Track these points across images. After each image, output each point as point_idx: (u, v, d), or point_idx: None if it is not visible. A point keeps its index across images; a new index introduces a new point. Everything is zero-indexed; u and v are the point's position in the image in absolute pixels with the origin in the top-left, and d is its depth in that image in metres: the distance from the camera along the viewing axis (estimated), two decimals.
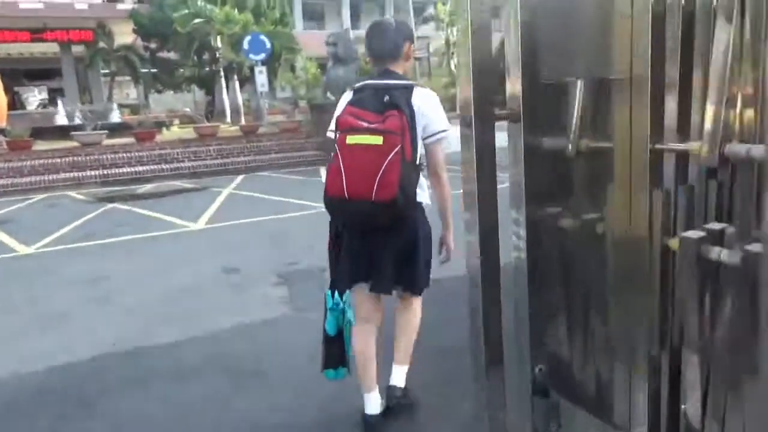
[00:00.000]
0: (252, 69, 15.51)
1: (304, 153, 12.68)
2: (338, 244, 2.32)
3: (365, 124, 2.07)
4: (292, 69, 23.71)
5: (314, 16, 41.81)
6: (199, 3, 16.56)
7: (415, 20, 28.98)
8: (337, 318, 2.35)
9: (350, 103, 2.21)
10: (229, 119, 17.95)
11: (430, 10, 27.86)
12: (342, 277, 2.32)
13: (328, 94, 12.96)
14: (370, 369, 2.39)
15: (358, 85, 2.30)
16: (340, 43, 12.47)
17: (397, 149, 2.00)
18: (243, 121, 17.02)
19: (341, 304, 2.33)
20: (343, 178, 2.03)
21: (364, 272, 2.28)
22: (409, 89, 2.19)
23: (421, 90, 2.24)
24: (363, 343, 2.38)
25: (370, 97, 2.17)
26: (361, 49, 29.12)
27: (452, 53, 29.93)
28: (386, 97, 2.11)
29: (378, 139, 2.01)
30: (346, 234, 2.28)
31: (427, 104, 2.22)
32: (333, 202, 2.13)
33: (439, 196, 2.33)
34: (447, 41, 29.36)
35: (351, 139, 2.06)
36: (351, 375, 2.45)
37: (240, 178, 11.14)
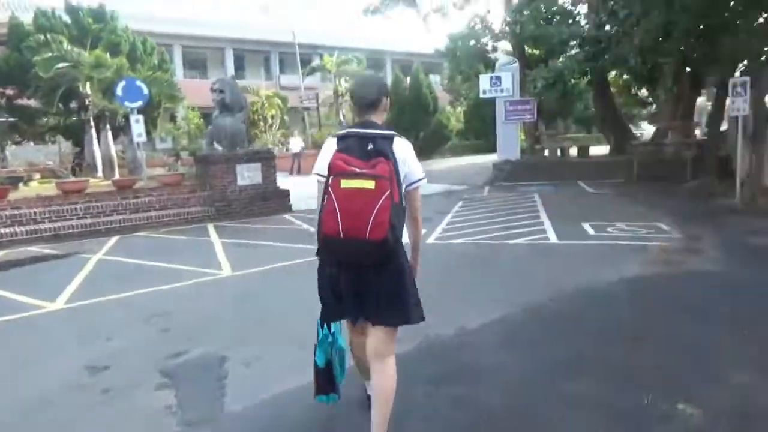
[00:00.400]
0: (127, 117, 14.11)
1: (189, 209, 11.48)
2: (331, 282, 2.54)
3: (357, 170, 2.32)
4: (173, 118, 22.17)
5: (196, 65, 40.43)
6: (65, 46, 14.95)
7: (302, 71, 28.86)
8: (326, 351, 2.74)
9: (339, 150, 2.44)
10: (100, 173, 16.17)
11: (317, 61, 27.82)
12: (336, 311, 2.61)
13: (215, 144, 12.00)
14: (367, 369, 2.73)
15: (340, 133, 2.57)
16: (227, 90, 11.62)
17: (387, 193, 2.30)
18: (117, 175, 15.37)
19: (330, 337, 2.73)
20: (338, 218, 2.29)
21: (356, 306, 2.54)
22: (389, 138, 2.50)
23: (400, 140, 2.54)
24: (360, 352, 2.78)
25: (355, 144, 2.44)
26: (252, 98, 28.36)
27: (341, 104, 30.08)
28: (370, 145, 2.41)
29: (371, 184, 2.28)
30: (339, 271, 2.50)
31: (408, 154, 2.56)
32: (329, 240, 2.37)
33: (414, 236, 2.74)
34: (335, 92, 29.48)
35: (345, 183, 2.30)
36: (341, 399, 2.94)
37: (113, 240, 9.73)
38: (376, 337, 2.59)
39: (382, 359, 2.58)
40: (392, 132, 2.55)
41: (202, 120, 33.87)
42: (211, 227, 10.67)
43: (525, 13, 15.66)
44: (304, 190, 17.51)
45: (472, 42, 21.26)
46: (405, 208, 2.54)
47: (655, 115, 21.32)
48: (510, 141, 17.11)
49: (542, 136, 18.81)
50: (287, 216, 11.79)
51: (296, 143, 23.41)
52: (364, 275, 2.46)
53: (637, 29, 12.43)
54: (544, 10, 15.55)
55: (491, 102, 34.01)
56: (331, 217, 2.30)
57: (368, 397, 2.90)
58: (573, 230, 8.54)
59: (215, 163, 11.96)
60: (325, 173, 2.41)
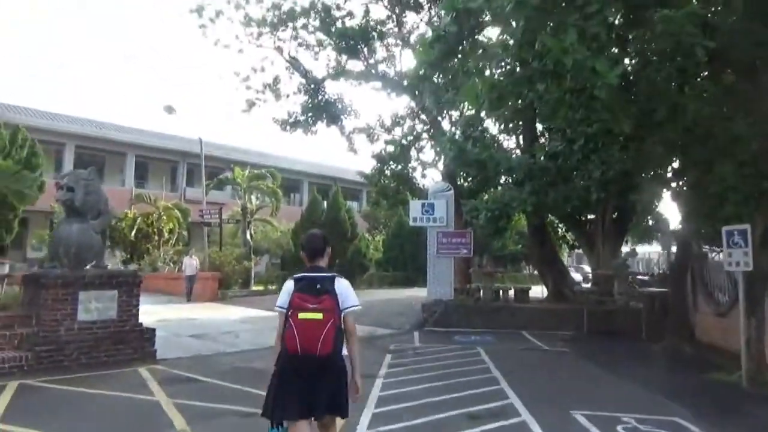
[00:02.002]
0: None
1: (0, 354, 7.70)
2: (286, 387, 3.45)
3: (310, 306, 3.42)
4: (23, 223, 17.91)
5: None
6: None
7: (207, 183, 25.94)
8: None
9: (297, 290, 3.52)
10: None
11: (226, 173, 25.07)
12: (290, 409, 3.44)
13: (53, 262, 8.51)
14: None
15: (297, 276, 3.65)
16: (78, 189, 8.41)
17: (331, 321, 3.42)
18: None
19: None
20: (297, 341, 3.35)
21: (306, 406, 3.44)
22: (331, 279, 3.62)
23: (340, 279, 3.67)
24: None
25: (308, 285, 3.54)
26: (148, 209, 24.78)
27: (249, 223, 27.03)
28: (318, 285, 3.52)
29: (319, 315, 3.39)
30: (295, 379, 3.45)
31: (344, 288, 3.65)
32: (291, 356, 3.41)
33: (351, 350, 3.68)
34: (244, 209, 26.51)
35: (302, 315, 3.39)
36: None
37: None
38: (325, 428, 3.64)
39: None
40: (334, 274, 3.67)
41: None
42: (8, 391, 6.86)
43: (457, 136, 14.05)
44: (190, 326, 14.12)
45: (400, 166, 19.51)
46: (342, 329, 3.55)
47: (588, 259, 19.86)
48: (442, 278, 14.65)
49: (477, 273, 16.56)
50: (144, 371, 8.17)
51: (190, 264, 19.76)
52: (314, 380, 3.44)
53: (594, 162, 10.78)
54: (479, 136, 13.95)
55: (414, 232, 32.52)
56: (292, 339, 3.37)
57: None
58: (573, 430, 5.71)
59: (47, 287, 8.37)
60: (286, 307, 3.52)
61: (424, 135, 18.16)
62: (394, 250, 31.52)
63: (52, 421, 5.68)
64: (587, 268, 54.76)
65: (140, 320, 9.21)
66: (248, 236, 25.02)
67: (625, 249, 20.25)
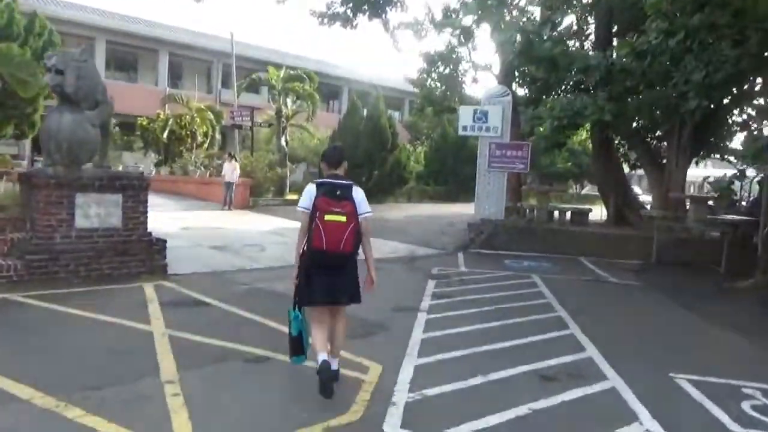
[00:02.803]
0: None
1: None
2: (311, 279, 3.95)
3: (335, 209, 3.79)
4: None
5: (124, 66, 35.05)
6: None
7: (239, 83, 24.22)
8: (298, 325, 4.03)
9: (321, 194, 3.84)
10: None
11: (260, 73, 23.25)
12: (315, 296, 3.96)
13: (26, 156, 7.26)
14: (323, 343, 3.99)
15: (318, 181, 3.99)
16: (69, 71, 6.97)
17: (353, 224, 3.82)
18: None
19: (299, 316, 4.03)
20: (324, 240, 3.75)
21: (328, 294, 3.98)
22: (349, 186, 3.96)
23: (356, 187, 4.00)
24: (320, 331, 4.02)
25: (330, 190, 3.87)
26: (181, 110, 23.43)
27: (283, 128, 25.49)
28: (338, 191, 3.87)
29: (343, 218, 3.78)
30: (319, 271, 3.91)
31: (360, 196, 3.99)
32: (316, 252, 3.82)
33: (367, 250, 4.13)
34: (278, 113, 24.88)
35: (328, 217, 3.76)
36: (308, 359, 4.10)
37: None
38: (337, 311, 4.15)
39: (341, 324, 4.15)
40: (351, 182, 4.02)
41: (117, 129, 28.65)
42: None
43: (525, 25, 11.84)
44: (213, 236, 12.08)
45: (449, 69, 17.41)
46: (360, 231, 3.95)
47: (652, 181, 17.77)
48: (493, 195, 13.04)
49: (528, 192, 14.88)
50: (149, 287, 7.05)
51: (230, 170, 18.37)
52: (336, 273, 3.94)
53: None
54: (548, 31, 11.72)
55: (458, 144, 30.62)
56: (319, 238, 3.77)
57: (321, 364, 3.87)
58: (684, 408, 4.26)
59: (39, 187, 7.18)
60: (310, 208, 3.86)
61: (482, 28, 15.75)
62: (436, 163, 29.77)
63: (9, 352, 4.56)
64: (637, 190, 52.23)
65: (149, 229, 8.04)
66: (283, 142, 23.59)
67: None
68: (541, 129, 11.79)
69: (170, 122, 25.71)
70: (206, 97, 32.59)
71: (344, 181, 3.97)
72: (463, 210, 22.37)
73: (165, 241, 8.09)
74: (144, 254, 7.83)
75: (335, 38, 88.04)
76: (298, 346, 4.07)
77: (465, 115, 13.04)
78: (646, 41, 9.36)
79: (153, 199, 19.69)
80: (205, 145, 26.91)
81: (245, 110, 21.59)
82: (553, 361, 5.01)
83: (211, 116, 26.29)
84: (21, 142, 19.88)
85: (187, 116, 26.18)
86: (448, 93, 17.33)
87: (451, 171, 29.06)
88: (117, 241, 7.63)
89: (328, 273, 3.91)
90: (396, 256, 11.04)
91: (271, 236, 12.65)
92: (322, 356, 3.86)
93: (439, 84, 17.52)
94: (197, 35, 35.16)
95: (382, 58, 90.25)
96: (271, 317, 5.77)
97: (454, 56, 16.59)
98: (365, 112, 25.13)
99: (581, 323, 6.41)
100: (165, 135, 25.37)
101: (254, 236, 12.42)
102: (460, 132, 13.30)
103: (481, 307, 7.02)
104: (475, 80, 17.53)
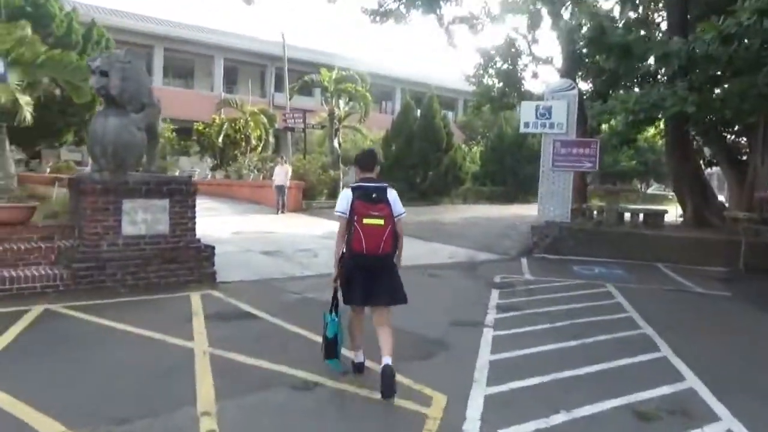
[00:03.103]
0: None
1: (21, 272, 6.54)
2: (352, 281, 4.09)
3: (374, 213, 3.94)
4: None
5: (181, 73, 35.78)
6: None
7: (291, 85, 24.09)
8: (334, 328, 4.19)
9: (357, 198, 4.00)
10: None
11: (312, 75, 23.03)
12: (355, 297, 4.12)
13: (89, 162, 7.03)
14: (360, 341, 4.37)
15: (353, 185, 4.17)
16: (114, 73, 6.71)
17: (390, 226, 3.97)
18: None
19: (336, 319, 4.20)
20: (363, 242, 3.90)
21: (370, 295, 4.10)
22: (384, 189, 4.11)
23: (390, 189, 4.15)
24: (358, 329, 4.34)
25: (365, 194, 4.02)
26: (235, 114, 23.42)
27: (336, 130, 25.19)
28: (374, 194, 4.03)
29: (381, 221, 3.93)
30: (359, 273, 4.05)
31: (395, 197, 4.12)
32: (357, 255, 3.96)
33: (400, 248, 4.22)
34: (331, 114, 24.61)
35: (366, 221, 3.91)
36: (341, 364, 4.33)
37: None
38: (380, 314, 4.21)
39: (386, 326, 4.17)
40: (386, 184, 4.19)
41: (174, 134, 29.15)
42: (25, 319, 5.56)
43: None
44: (265, 240, 11.72)
45: (507, 64, 16.57)
46: (397, 232, 4.10)
47: (730, 179, 16.31)
48: (558, 196, 12.16)
49: (595, 192, 13.88)
50: (196, 297, 6.69)
51: (280, 173, 17.98)
52: (376, 275, 4.07)
53: None
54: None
55: (516, 143, 29.51)
56: (359, 241, 3.91)
57: (354, 364, 4.41)
58: None
59: (86, 193, 6.96)
60: (347, 213, 4.02)
61: (544, 19, 14.86)
62: (493, 163, 28.82)
63: (37, 373, 4.21)
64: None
65: (198, 235, 7.71)
66: (336, 144, 23.29)
67: None
68: (612, 123, 10.84)
69: (225, 126, 25.90)
70: (260, 101, 32.83)
71: (378, 184, 4.16)
72: (523, 211, 21.43)
73: (213, 248, 7.75)
74: (192, 262, 7.51)
75: (387, 38, 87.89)
76: (333, 349, 4.24)
77: (527, 111, 12.23)
78: (735, 23, 8.34)
79: (207, 203, 19.77)
80: (259, 149, 26.99)
81: (297, 113, 21.41)
82: (647, 393, 4.26)
83: (265, 120, 26.34)
84: (82, 149, 20.36)
85: (242, 120, 26.32)
86: (507, 89, 16.49)
87: (509, 170, 28.06)
88: (164, 249, 7.33)
89: (369, 275, 4.06)
90: (454, 262, 10.39)
91: (324, 241, 12.22)
92: (359, 357, 4.39)
93: (496, 80, 16.70)
94: (251, 40, 35.50)
95: (434, 57, 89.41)
96: (321, 332, 5.25)
97: (513, 50, 15.75)
98: (418, 112, 24.53)
99: (672, 343, 5.59)
100: (220, 139, 25.57)
101: (306, 241, 12.04)
102: (522, 129, 12.48)
103: (555, 322, 6.28)
104: (535, 75, 16.69)
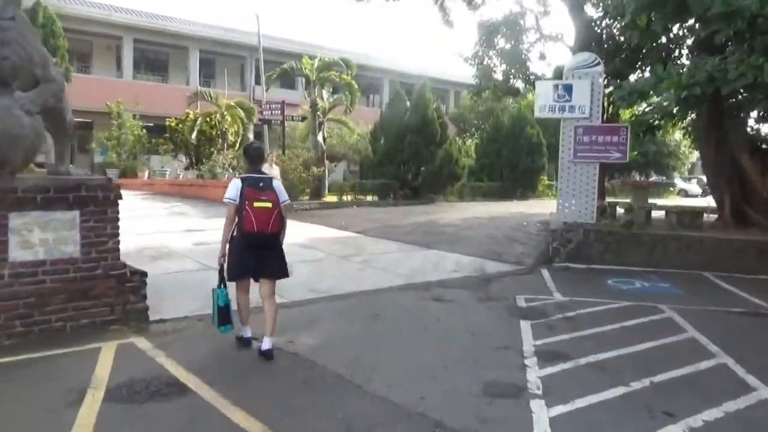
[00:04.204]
0: None
1: None
2: (243, 256, 4.64)
3: (263, 197, 4.53)
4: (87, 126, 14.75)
5: (155, 66, 33.41)
6: None
7: (269, 74, 21.92)
8: (224, 299, 4.71)
9: (248, 186, 4.56)
10: None
11: (293, 62, 20.92)
12: (245, 272, 4.70)
13: None
14: (248, 316, 4.91)
15: (243, 176, 4.80)
16: None
17: (277, 210, 4.58)
18: None
19: (225, 290, 4.72)
20: (254, 223, 4.46)
21: (259, 269, 4.69)
22: (270, 179, 4.75)
23: (275, 180, 4.87)
24: (245, 303, 4.86)
25: (255, 183, 4.61)
26: (210, 108, 21.08)
27: (320, 123, 23.05)
28: (261, 183, 4.63)
29: (269, 205, 4.53)
30: (250, 250, 4.61)
31: (279, 187, 4.77)
32: (248, 234, 4.51)
33: (284, 228, 4.81)
34: (314, 106, 22.42)
35: (257, 204, 4.48)
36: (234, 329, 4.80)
37: None
38: (267, 286, 4.76)
39: (272, 296, 4.77)
40: (271, 176, 4.90)
41: (144, 131, 26.91)
42: None
43: None
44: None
45: (511, 44, 14.63)
46: (283, 216, 4.73)
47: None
48: (581, 193, 10.23)
49: (616, 187, 11.96)
50: (110, 353, 4.67)
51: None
52: (263, 252, 4.64)
53: None
54: None
55: (513, 135, 27.53)
56: (250, 222, 4.47)
57: (241, 339, 4.90)
58: None
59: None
60: (236, 200, 4.56)
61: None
62: (489, 156, 26.93)
63: None
64: (706, 180, 47.84)
65: (119, 257, 5.68)
66: (320, 138, 21.22)
67: None
68: (644, 105, 8.94)
69: (199, 121, 23.77)
70: (240, 95, 30.67)
71: (265, 175, 4.80)
72: (526, 209, 19.53)
73: (144, 275, 5.71)
74: (113, 295, 5.47)
75: (373, 24, 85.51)
76: (227, 316, 4.74)
77: (543, 92, 10.27)
78: None
79: (177, 206, 17.58)
80: (237, 146, 24.89)
81: (275, 104, 19.30)
82: None
83: (242, 113, 24.20)
84: None
85: (217, 115, 24.18)
86: (512, 71, 14.55)
87: (506, 163, 26.19)
88: (73, 279, 5.29)
89: (258, 252, 4.64)
90: (461, 277, 8.42)
91: (302, 252, 10.21)
92: (247, 332, 4.90)
93: (498, 61, 14.74)
94: (228, 31, 33.28)
95: (423, 46, 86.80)
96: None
97: (517, 27, 13.82)
98: (408, 103, 22.54)
99: None
100: (194, 136, 23.43)
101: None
102: (537, 114, 10.52)
103: (625, 379, 4.33)
104: (542, 56, 14.67)
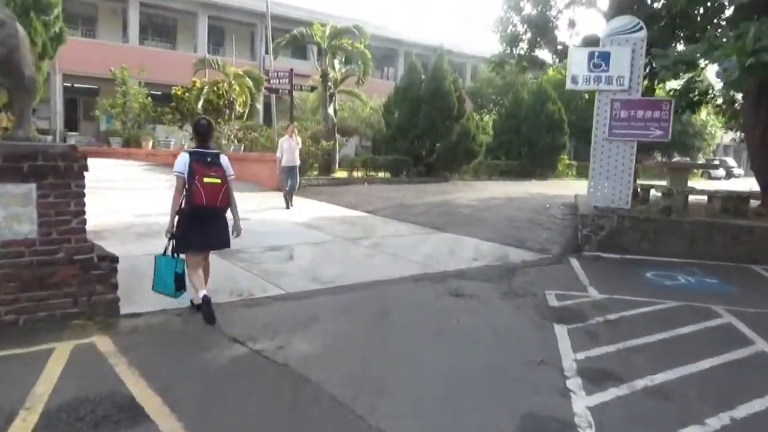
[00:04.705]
0: None
1: None
2: (192, 229, 4.78)
3: (212, 173, 4.68)
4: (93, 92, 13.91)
5: (163, 32, 32.37)
6: None
7: (279, 41, 20.80)
8: (180, 267, 4.83)
9: (196, 161, 4.69)
10: None
11: (303, 29, 19.80)
12: (195, 245, 4.86)
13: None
14: (202, 282, 4.91)
15: (191, 150, 4.89)
16: None
17: (226, 185, 4.76)
18: None
19: (179, 258, 4.85)
20: (204, 198, 4.60)
21: (207, 241, 4.93)
22: (217, 154, 4.91)
23: (222, 155, 4.97)
24: (197, 273, 4.90)
25: (202, 158, 4.75)
26: (217, 76, 19.80)
27: (331, 95, 21.96)
28: (209, 159, 4.78)
29: (218, 180, 4.70)
30: (199, 223, 4.75)
31: (226, 162, 4.91)
32: (197, 207, 4.64)
33: (234, 204, 5.04)
34: (324, 76, 21.31)
35: (206, 180, 4.62)
36: (188, 292, 4.90)
37: None
38: (206, 256, 5.10)
39: (207, 259, 5.12)
40: (218, 151, 5.09)
41: (149, 99, 26.01)
42: None
43: None
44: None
45: (537, 10, 13.48)
46: (230, 189, 4.89)
47: None
48: (616, 175, 9.24)
49: (649, 169, 10.93)
50: (63, 356, 3.85)
51: (289, 149, 12.70)
52: (211, 224, 4.85)
53: None
54: None
55: (535, 110, 26.32)
56: (200, 197, 4.59)
57: (192, 303, 5.03)
58: None
59: None
60: (185, 173, 4.67)
61: None
62: (508, 133, 25.78)
63: None
64: (731, 162, 46.06)
65: (87, 239, 4.83)
66: (331, 111, 20.20)
67: None
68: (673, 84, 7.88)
69: (206, 90, 22.79)
70: (250, 64, 29.56)
71: (213, 151, 4.94)
72: (546, 189, 18.51)
73: (115, 260, 4.87)
74: (76, 284, 4.65)
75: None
76: (182, 282, 4.86)
77: (577, 60, 9.20)
78: None
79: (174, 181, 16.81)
80: (245, 117, 23.93)
81: (283, 72, 18.25)
82: None
83: (250, 83, 23.17)
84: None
85: (225, 84, 23.17)
86: (538, 40, 13.40)
87: (525, 141, 25.06)
88: (28, 264, 4.47)
89: (207, 225, 4.83)
90: (481, 266, 7.52)
91: (308, 232, 9.36)
92: (203, 292, 4.80)
93: (523, 29, 13.58)
94: None
95: (440, 18, 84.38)
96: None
97: None
98: (424, 76, 21.38)
99: None
100: (200, 105, 22.45)
101: (283, 232, 9.15)
102: (569, 85, 9.46)
103: (698, 415, 3.43)
104: (571, 23, 13.48)
